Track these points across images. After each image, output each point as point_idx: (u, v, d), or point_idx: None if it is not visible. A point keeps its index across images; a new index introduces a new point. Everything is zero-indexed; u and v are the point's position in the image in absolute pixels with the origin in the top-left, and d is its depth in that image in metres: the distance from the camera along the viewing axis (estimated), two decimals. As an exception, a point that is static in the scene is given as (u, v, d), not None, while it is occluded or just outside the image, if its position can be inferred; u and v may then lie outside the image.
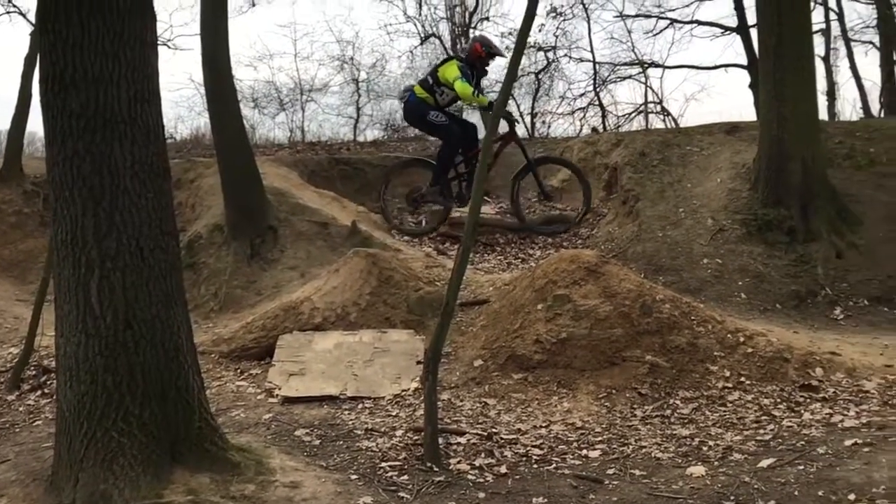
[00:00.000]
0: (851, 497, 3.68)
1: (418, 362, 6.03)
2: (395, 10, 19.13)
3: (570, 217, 9.35)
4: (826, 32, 16.27)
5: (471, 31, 16.05)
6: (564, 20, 16.11)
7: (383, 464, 4.50)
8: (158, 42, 4.21)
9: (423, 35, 16.39)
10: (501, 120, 7.23)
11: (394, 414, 5.43)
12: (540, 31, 16.42)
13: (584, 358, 5.80)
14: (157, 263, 3.94)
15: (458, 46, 15.74)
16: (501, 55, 7.80)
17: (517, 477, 4.34)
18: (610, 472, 4.33)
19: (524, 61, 16.12)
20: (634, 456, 4.56)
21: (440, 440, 4.67)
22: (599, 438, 4.89)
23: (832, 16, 16.22)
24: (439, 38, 16.35)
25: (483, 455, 4.64)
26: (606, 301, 6.03)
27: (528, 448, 4.74)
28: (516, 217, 7.95)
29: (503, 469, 4.43)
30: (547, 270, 6.41)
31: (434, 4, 16.45)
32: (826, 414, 4.98)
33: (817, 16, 15.94)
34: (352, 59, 16.27)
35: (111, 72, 3.81)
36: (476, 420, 5.27)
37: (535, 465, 4.49)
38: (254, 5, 14.59)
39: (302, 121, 15.63)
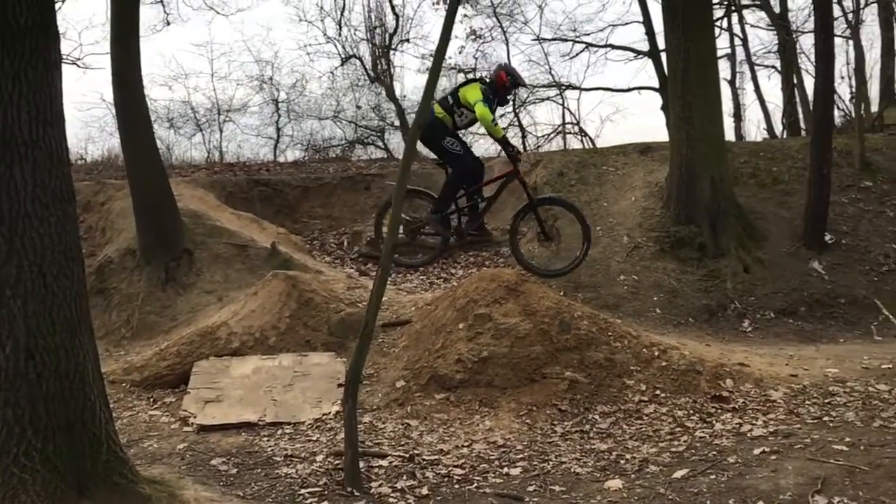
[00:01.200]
0: (760, 504, 3.82)
1: (339, 385, 5.95)
2: (315, 31, 19.10)
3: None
4: (732, 57, 17.10)
5: (391, 52, 16.13)
6: (484, 43, 16.42)
7: (303, 490, 4.42)
8: (66, 61, 4.07)
9: (343, 56, 16.40)
10: (498, 126, 7.11)
11: (314, 439, 5.35)
12: (460, 53, 16.70)
13: (506, 376, 5.85)
14: (61, 290, 3.77)
15: (378, 68, 15.81)
16: (525, 85, 7.54)
17: (438, 498, 4.33)
18: (530, 488, 4.37)
19: (445, 83, 16.31)
20: (554, 472, 4.62)
21: (361, 464, 4.62)
22: (520, 456, 4.93)
23: (737, 41, 17.07)
24: (360, 59, 16.40)
25: (405, 477, 4.61)
26: (526, 319, 6.10)
27: (450, 468, 4.74)
28: (515, 258, 7.57)
29: (425, 490, 4.41)
30: (468, 290, 6.46)
31: (354, 26, 16.53)
32: (736, 424, 5.16)
33: (723, 41, 16.79)
34: (271, 79, 16.16)
35: (11, 92, 3.65)
36: (398, 442, 5.24)
37: (456, 486, 4.48)
38: (168, 24, 14.30)
39: (220, 141, 15.40)
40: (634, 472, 4.50)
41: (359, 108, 16.39)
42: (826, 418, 5.06)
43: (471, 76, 7.28)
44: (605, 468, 4.59)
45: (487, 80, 7.09)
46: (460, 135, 7.21)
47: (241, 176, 11.41)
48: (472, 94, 6.94)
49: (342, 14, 16.16)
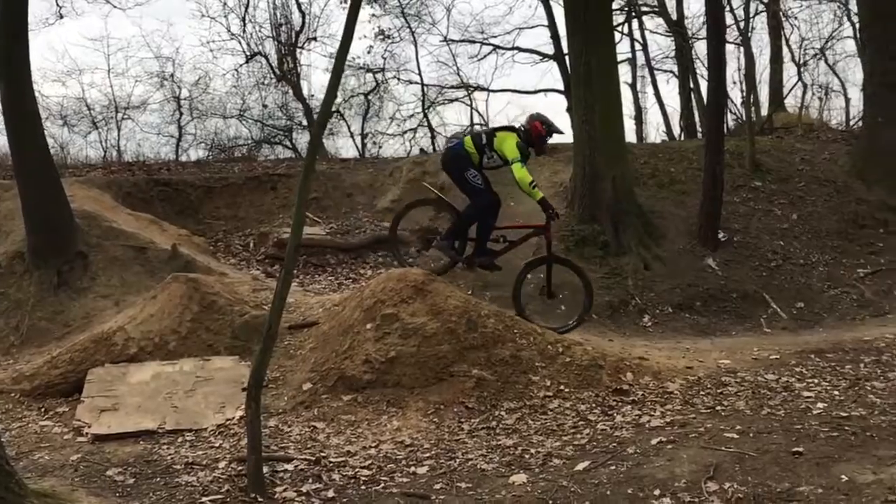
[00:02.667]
0: (657, 492, 3.96)
1: (244, 389, 5.79)
2: (218, 27, 18.58)
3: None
4: (632, 62, 17.69)
5: (298, 50, 15.89)
6: (392, 43, 16.40)
7: (203, 498, 4.29)
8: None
9: (248, 53, 16.05)
10: (536, 189, 6.86)
11: (217, 445, 5.21)
12: (369, 52, 16.63)
13: (413, 375, 5.85)
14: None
15: (285, 66, 15.55)
16: (560, 132, 7.54)
17: (344, 500, 4.29)
18: (437, 486, 4.39)
19: (354, 82, 16.21)
20: (461, 469, 4.65)
21: (266, 469, 4.53)
22: (428, 454, 4.94)
23: (637, 46, 17.67)
24: (265, 56, 16.09)
25: (310, 480, 4.55)
26: (434, 318, 6.12)
27: (357, 470, 4.70)
28: (514, 302, 7.10)
29: (330, 493, 4.36)
30: (375, 290, 6.43)
31: (259, 23, 16.19)
32: (635, 415, 5.33)
33: (625, 46, 17.34)
34: (172, 75, 15.64)
35: None
36: (304, 445, 5.16)
37: (363, 487, 4.46)
38: (61, 17, 13.65)
39: (118, 140, 14.80)
40: (538, 466, 4.59)
41: (265, 106, 16.10)
42: (719, 408, 5.29)
43: (504, 124, 7.27)
44: (510, 463, 4.66)
45: (522, 130, 6.99)
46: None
47: (140, 175, 11.01)
48: (509, 150, 6.80)
49: (246, 10, 15.83)
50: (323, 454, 4.94)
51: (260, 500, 4.24)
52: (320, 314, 6.96)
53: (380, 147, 16.21)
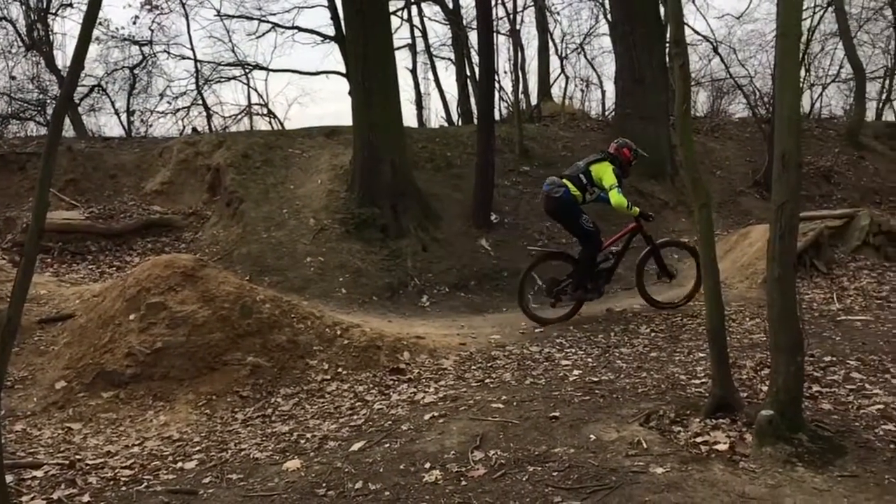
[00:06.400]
0: (427, 465, 4.07)
1: (-17, 393, 5.20)
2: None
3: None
4: (412, 48, 18.00)
5: (50, 17, 14.38)
6: (161, 14, 15.35)
7: (-70, 519, 3.78)
8: None
9: (-10, 18, 14.25)
10: (632, 208, 7.21)
11: (-51, 457, 4.60)
12: (134, 23, 15.48)
13: (183, 367, 5.57)
14: None
15: (35, 34, 14.02)
16: (645, 156, 7.89)
17: (102, 503, 3.98)
18: (206, 480, 4.20)
19: (118, 55, 15.02)
20: (233, 460, 4.49)
21: (10, 477, 4.09)
22: (197, 448, 4.72)
23: (417, 33, 18.01)
24: (12, 22, 14.38)
25: (63, 486, 4.16)
26: (205, 306, 5.86)
27: (118, 470, 4.38)
28: (645, 300, 7.56)
29: (86, 498, 4.02)
30: (140, 278, 6.02)
31: (5, -16, 14.42)
32: (411, 393, 5.46)
33: (405, 32, 17.62)
34: None
35: None
36: (57, 449, 4.72)
37: (123, 488, 4.15)
38: None
39: None
40: (314, 450, 4.55)
41: (13, 78, 14.40)
42: (488, 380, 5.56)
43: (599, 156, 7.48)
44: (284, 450, 4.57)
45: (613, 156, 7.41)
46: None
47: None
48: (607, 178, 7.20)
49: (-13, -32, 14.01)
50: (78, 457, 4.55)
51: (1, 513, 3.81)
52: (77, 306, 6.42)
53: (149, 126, 15.14)
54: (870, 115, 16.17)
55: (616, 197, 7.12)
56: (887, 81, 17.10)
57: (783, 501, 3.33)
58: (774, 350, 3.93)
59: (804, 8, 12.87)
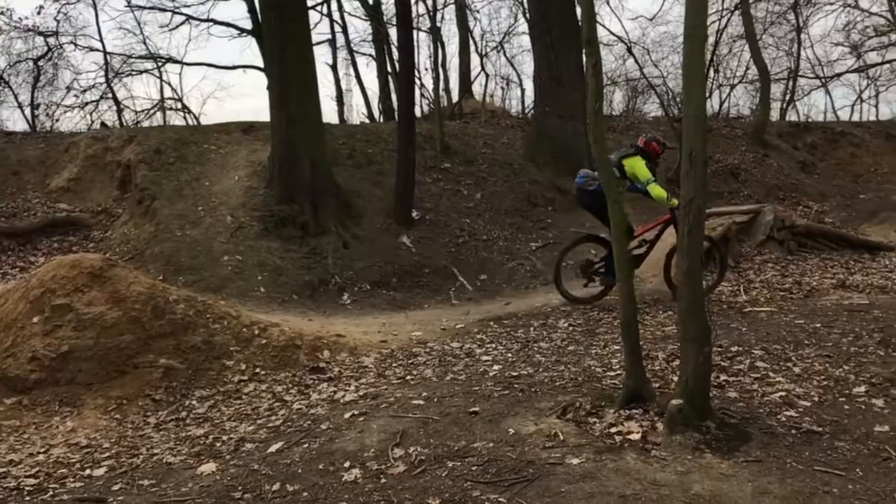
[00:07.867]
0: (347, 464, 4.03)
1: None
2: None
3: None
4: (333, 43, 17.80)
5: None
6: (67, 4, 14.71)
7: None
8: None
9: None
10: (671, 199, 7.12)
11: None
12: (39, 13, 14.77)
13: (91, 370, 5.35)
14: None
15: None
16: (673, 147, 8.03)
17: (3, 516, 3.79)
18: (116, 487, 4.05)
19: (21, 46, 14.35)
20: (144, 466, 4.35)
21: None
22: (107, 454, 4.55)
23: (337, 28, 17.81)
24: None
25: (-39, 499, 3.95)
26: (114, 307, 5.65)
27: (21, 479, 4.17)
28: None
29: (-14, 510, 3.83)
30: (44, 279, 5.75)
31: None
32: (331, 392, 5.40)
33: (325, 27, 17.37)
34: None
35: None
36: (-47, 461, 4.47)
37: (28, 497, 3.96)
38: None
39: None
40: (230, 452, 4.44)
41: None
42: (409, 377, 5.55)
43: (630, 151, 7.63)
44: (199, 454, 4.45)
45: (643, 150, 7.55)
46: None
47: None
48: (642, 172, 7.41)
49: None
50: (-23, 467, 4.32)
51: None
52: (-25, 309, 6.07)
53: (55, 120, 14.50)
54: (774, 115, 16.94)
55: (656, 189, 7.38)
56: (790, 83, 17.96)
57: (692, 487, 3.45)
58: (683, 341, 4.07)
59: (713, 11, 13.44)
